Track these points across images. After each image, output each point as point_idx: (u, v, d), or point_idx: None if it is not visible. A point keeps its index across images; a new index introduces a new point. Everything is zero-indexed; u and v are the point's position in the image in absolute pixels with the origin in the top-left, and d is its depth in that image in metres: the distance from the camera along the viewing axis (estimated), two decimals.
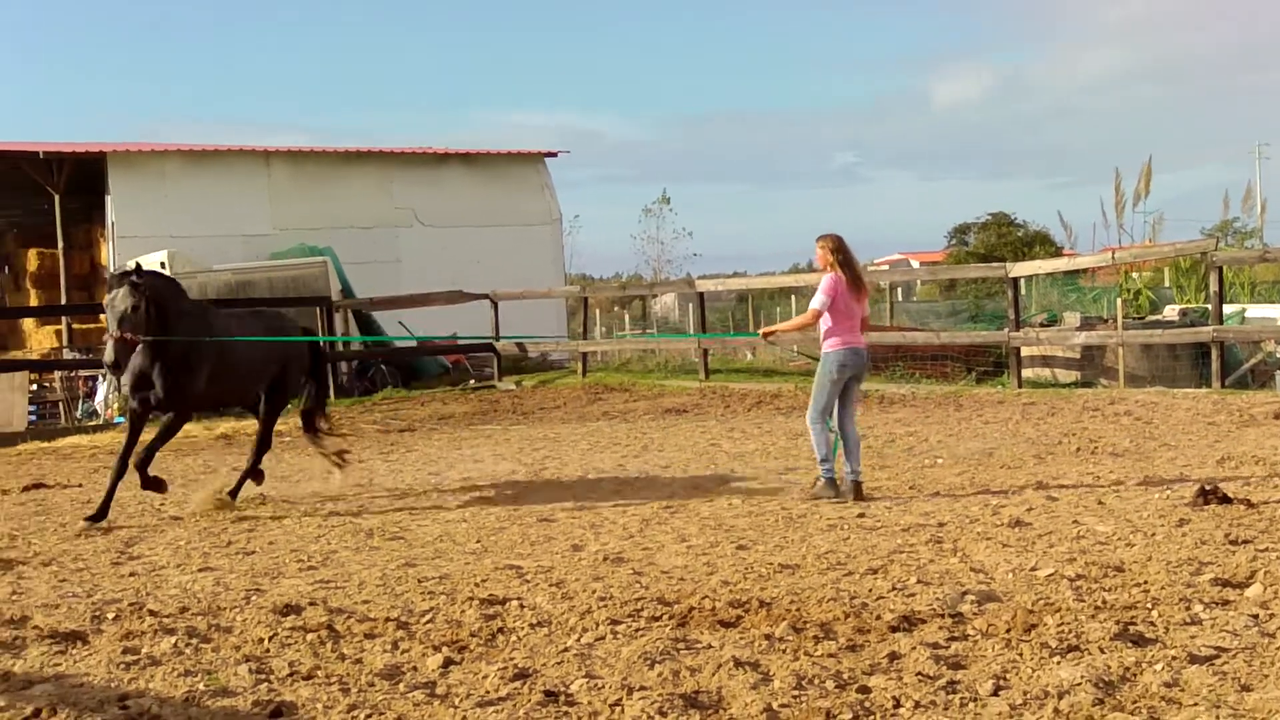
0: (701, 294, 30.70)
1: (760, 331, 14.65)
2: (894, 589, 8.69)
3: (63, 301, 35.82)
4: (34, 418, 28.30)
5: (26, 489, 16.24)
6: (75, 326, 35.44)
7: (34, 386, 30.10)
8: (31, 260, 37.55)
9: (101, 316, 34.50)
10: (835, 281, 12.91)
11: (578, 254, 63.45)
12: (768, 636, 7.52)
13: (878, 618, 7.84)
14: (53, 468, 18.74)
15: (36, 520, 13.61)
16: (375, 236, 36.18)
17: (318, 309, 29.96)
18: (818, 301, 12.92)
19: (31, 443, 22.62)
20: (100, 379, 30.60)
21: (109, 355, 12.68)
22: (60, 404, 29.86)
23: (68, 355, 33.71)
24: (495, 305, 31.19)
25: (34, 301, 36.77)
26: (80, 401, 30.33)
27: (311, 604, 8.91)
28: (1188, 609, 7.77)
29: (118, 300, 12.85)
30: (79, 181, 35.07)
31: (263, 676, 7.12)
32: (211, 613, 8.78)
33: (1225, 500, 11.13)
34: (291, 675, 7.13)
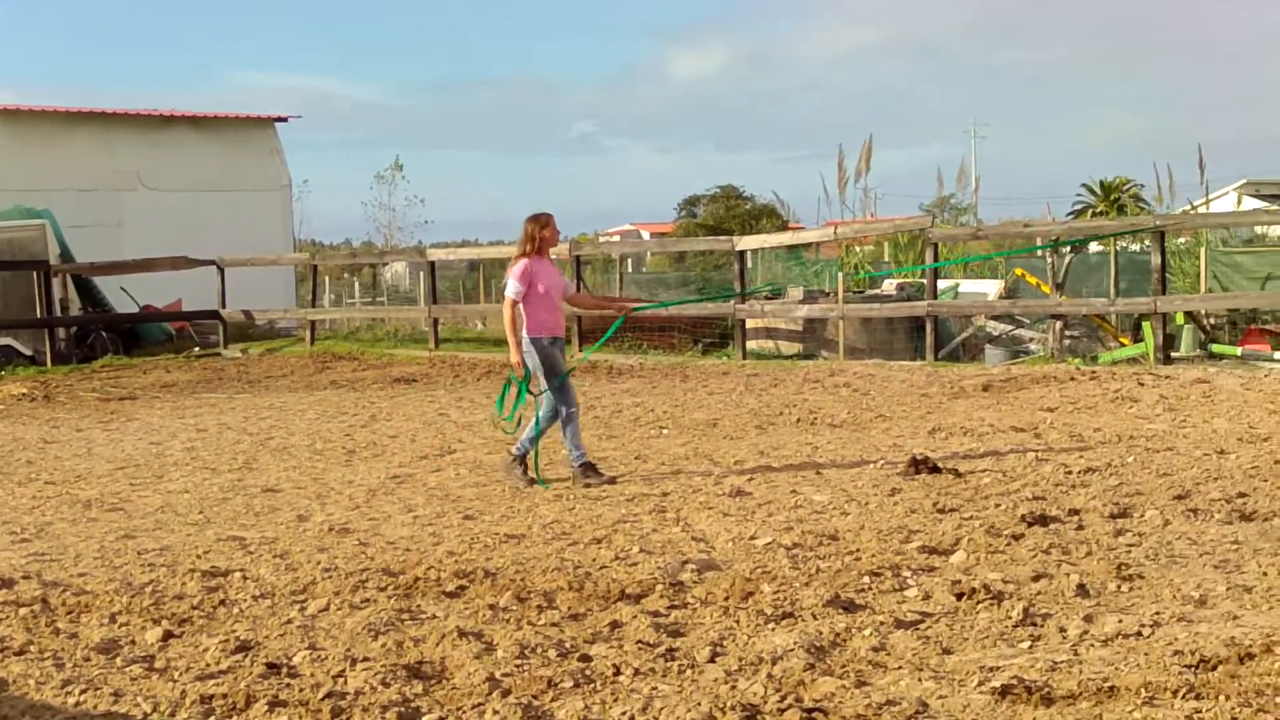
0: (433, 263, 30.59)
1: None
2: (617, 558, 8.84)
3: None
4: None
5: None
6: None
7: None
8: None
9: None
10: None
11: (308, 220, 62.65)
12: (492, 606, 7.58)
13: (600, 587, 7.96)
14: None
15: None
16: (97, 199, 35.10)
17: (35, 273, 29.09)
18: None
19: None
20: None
21: None
22: None
23: None
24: (222, 271, 30.64)
25: None
26: None
27: (25, 577, 8.70)
28: (896, 576, 8.06)
29: None
30: None
31: None
32: None
33: (935, 470, 11.55)
34: (2, 651, 6.97)
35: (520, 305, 12.14)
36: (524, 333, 12.15)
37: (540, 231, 12.32)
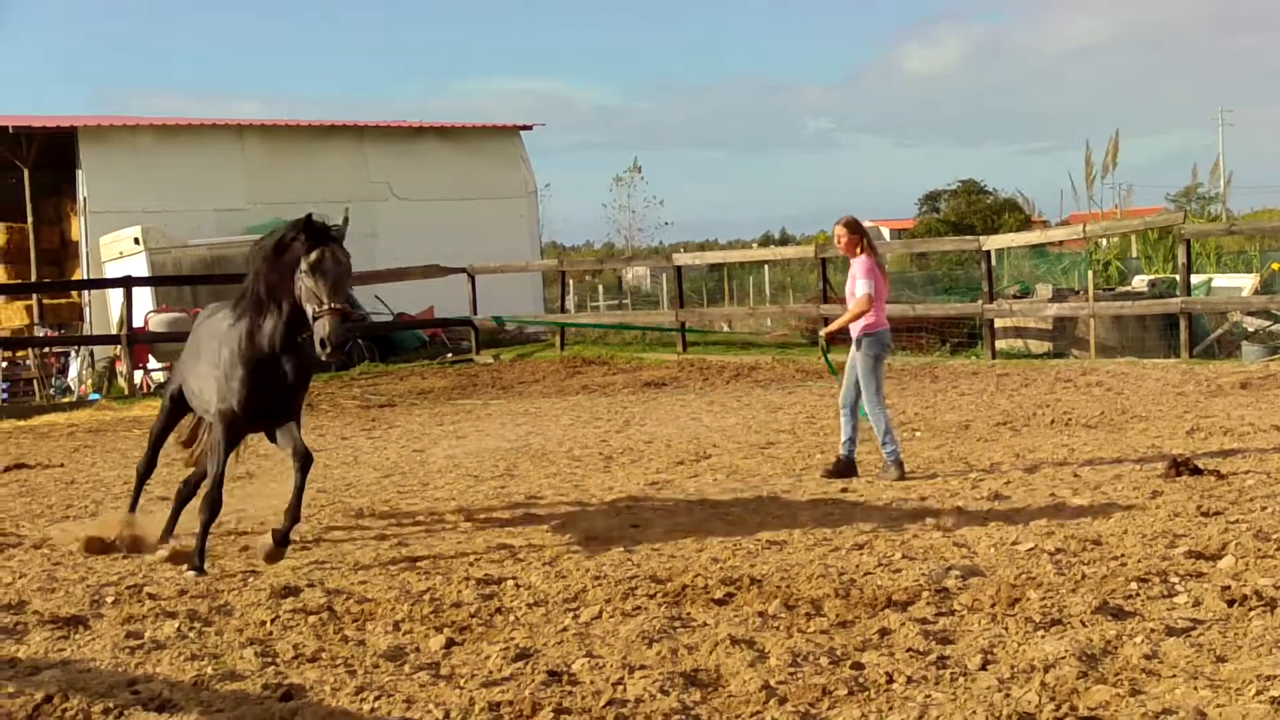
0: (679, 267, 30.80)
1: (822, 334, 13.82)
2: (880, 564, 8.89)
3: (33, 278, 35.58)
4: (5, 396, 28.27)
5: (7, 469, 16.14)
6: (45, 302, 35.21)
7: (4, 364, 30.07)
8: (0, 235, 37.18)
9: (74, 293, 34.50)
10: (873, 264, 12.94)
11: (549, 222, 63.59)
12: (761, 614, 7.71)
13: (866, 594, 8.04)
14: (31, 447, 18.71)
15: (22, 502, 13.58)
16: (351, 210, 36.04)
17: None
18: (868, 286, 12.81)
19: (6, 421, 22.61)
20: (72, 355, 30.57)
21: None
22: (34, 381, 29.75)
23: (38, 332, 33.56)
24: (472, 279, 31.23)
25: (2, 278, 36.43)
26: (53, 378, 30.28)
27: (309, 585, 9.06)
28: (1164, 581, 7.99)
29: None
30: (49, 156, 34.69)
31: (269, 659, 7.27)
32: (210, 595, 8.91)
33: (1196, 471, 11.38)
34: (297, 658, 7.29)
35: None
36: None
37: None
